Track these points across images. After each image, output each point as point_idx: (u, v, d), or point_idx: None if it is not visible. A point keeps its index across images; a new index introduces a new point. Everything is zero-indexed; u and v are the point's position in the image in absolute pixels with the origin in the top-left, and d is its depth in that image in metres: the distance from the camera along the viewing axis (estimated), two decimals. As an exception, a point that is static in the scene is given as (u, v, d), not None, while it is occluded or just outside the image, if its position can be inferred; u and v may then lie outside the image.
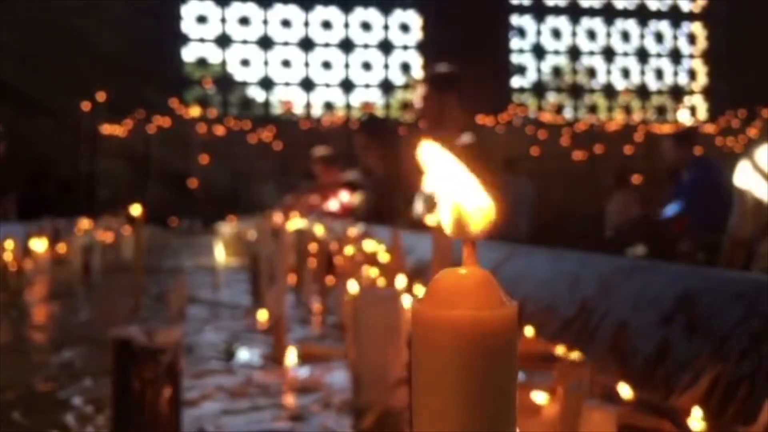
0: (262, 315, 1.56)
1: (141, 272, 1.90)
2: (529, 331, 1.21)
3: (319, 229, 2.36)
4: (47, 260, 2.62)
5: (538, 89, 8.19)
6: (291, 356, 1.13)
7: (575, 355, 1.04)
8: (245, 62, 7.44)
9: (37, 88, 6.39)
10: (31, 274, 2.44)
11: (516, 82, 8.06)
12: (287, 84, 7.53)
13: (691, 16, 8.52)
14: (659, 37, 8.45)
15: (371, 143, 3.85)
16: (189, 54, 7.33)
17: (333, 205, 4.16)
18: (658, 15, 8.43)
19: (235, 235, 3.34)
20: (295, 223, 2.69)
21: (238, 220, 3.95)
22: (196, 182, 6.69)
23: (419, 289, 1.23)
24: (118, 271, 2.61)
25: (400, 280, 1.29)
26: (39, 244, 2.59)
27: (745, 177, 2.71)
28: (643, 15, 8.37)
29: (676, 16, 8.47)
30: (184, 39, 7.24)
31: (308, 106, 7.55)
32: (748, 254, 2.64)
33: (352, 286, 1.16)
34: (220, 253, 2.46)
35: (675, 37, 8.49)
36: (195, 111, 7.12)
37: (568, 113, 8.22)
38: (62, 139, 6.43)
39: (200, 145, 6.86)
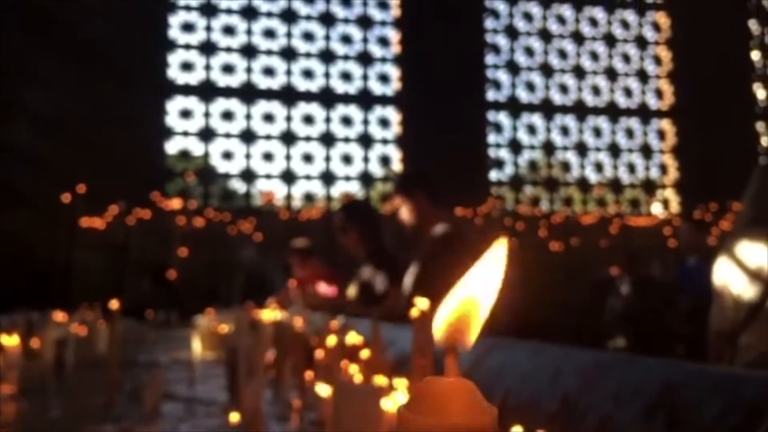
0: (234, 416, 1.52)
1: (116, 367, 1.86)
2: (517, 429, 1.19)
3: (298, 322, 2.34)
4: (18, 355, 2.55)
5: (516, 182, 8.38)
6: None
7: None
8: (227, 155, 7.55)
9: (17, 177, 6.41)
10: (0, 369, 2.37)
11: (494, 175, 8.26)
12: (268, 176, 7.63)
13: (659, 114, 8.88)
14: (630, 133, 8.76)
15: (349, 225, 3.81)
16: (172, 147, 7.44)
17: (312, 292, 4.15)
18: (628, 112, 8.78)
19: (212, 328, 3.29)
20: (274, 315, 2.67)
21: (215, 313, 3.90)
22: (175, 274, 6.63)
23: (401, 385, 1.21)
24: (92, 366, 2.54)
25: (381, 376, 1.28)
26: (10, 339, 2.52)
27: (724, 270, 2.73)
28: (613, 112, 8.71)
29: (645, 114, 8.83)
30: (168, 132, 7.36)
31: (289, 197, 7.63)
32: (734, 348, 2.63)
33: (332, 382, 1.14)
34: (197, 347, 2.42)
35: (645, 133, 8.81)
36: (176, 203, 7.14)
37: (544, 206, 8.38)
38: (40, 229, 6.39)
39: (180, 237, 6.84)
